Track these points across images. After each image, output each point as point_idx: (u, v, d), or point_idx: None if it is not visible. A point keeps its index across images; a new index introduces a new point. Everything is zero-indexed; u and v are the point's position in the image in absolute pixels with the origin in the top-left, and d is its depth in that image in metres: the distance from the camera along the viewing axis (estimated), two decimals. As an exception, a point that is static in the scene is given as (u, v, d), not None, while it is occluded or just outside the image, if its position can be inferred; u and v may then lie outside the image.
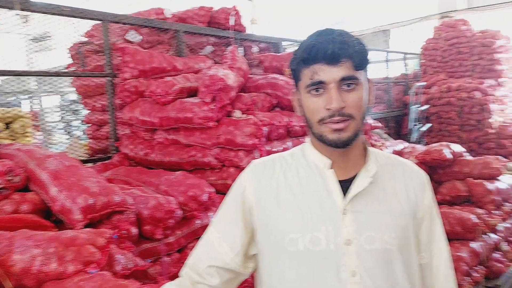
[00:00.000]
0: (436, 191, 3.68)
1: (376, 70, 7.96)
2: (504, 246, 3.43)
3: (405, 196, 1.08)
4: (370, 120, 3.98)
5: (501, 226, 3.45)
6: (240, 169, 2.57)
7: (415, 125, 6.19)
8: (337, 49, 0.97)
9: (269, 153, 2.79)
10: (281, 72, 3.55)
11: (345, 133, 1.00)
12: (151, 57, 3.10)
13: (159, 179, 2.49)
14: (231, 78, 2.79)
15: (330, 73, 0.98)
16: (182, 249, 2.30)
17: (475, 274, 3.01)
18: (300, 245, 1.02)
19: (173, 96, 2.79)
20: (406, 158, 4.08)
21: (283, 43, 5.31)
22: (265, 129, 2.69)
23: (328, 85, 0.99)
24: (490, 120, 6.85)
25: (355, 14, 11.66)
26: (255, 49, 4.40)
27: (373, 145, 3.87)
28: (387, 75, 7.35)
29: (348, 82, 0.99)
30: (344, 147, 1.02)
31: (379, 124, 4.24)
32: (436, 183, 3.83)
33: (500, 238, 3.37)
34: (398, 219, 1.05)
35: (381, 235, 1.02)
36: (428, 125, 7.03)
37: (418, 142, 6.03)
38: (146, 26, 3.52)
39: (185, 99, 2.80)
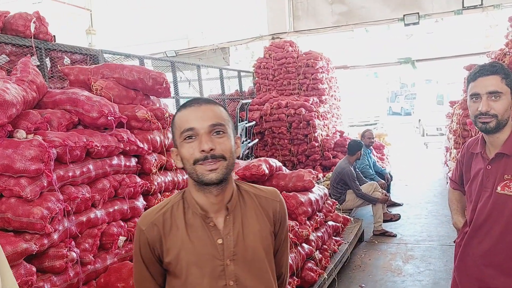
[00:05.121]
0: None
1: (213, 86, 8.04)
2: (317, 255, 3.62)
3: None
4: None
5: (313, 235, 3.65)
6: (23, 199, 2.16)
7: (243, 141, 6.36)
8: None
9: (61, 178, 2.44)
10: (88, 86, 3.22)
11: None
12: None
13: None
14: (12, 93, 2.37)
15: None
16: None
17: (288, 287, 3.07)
18: None
19: None
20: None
21: (106, 55, 4.95)
22: (54, 151, 2.34)
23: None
24: (315, 134, 7.45)
25: (196, 31, 11.78)
26: (66, 60, 3.96)
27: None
28: (222, 91, 7.48)
29: None
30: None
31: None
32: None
33: (313, 247, 3.55)
34: None
35: None
36: (255, 141, 7.30)
37: (246, 157, 6.20)
38: None
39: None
